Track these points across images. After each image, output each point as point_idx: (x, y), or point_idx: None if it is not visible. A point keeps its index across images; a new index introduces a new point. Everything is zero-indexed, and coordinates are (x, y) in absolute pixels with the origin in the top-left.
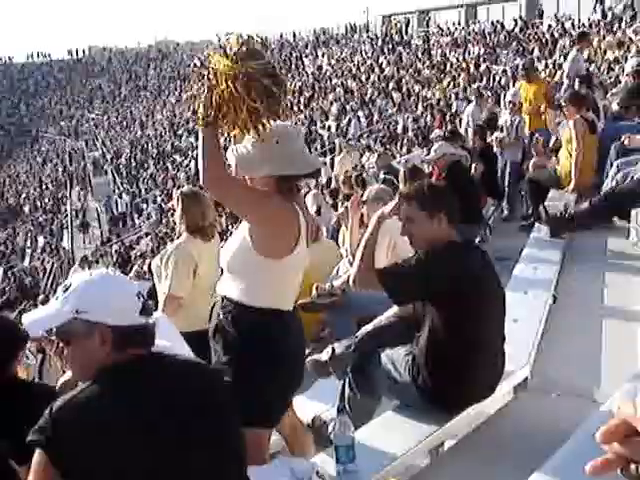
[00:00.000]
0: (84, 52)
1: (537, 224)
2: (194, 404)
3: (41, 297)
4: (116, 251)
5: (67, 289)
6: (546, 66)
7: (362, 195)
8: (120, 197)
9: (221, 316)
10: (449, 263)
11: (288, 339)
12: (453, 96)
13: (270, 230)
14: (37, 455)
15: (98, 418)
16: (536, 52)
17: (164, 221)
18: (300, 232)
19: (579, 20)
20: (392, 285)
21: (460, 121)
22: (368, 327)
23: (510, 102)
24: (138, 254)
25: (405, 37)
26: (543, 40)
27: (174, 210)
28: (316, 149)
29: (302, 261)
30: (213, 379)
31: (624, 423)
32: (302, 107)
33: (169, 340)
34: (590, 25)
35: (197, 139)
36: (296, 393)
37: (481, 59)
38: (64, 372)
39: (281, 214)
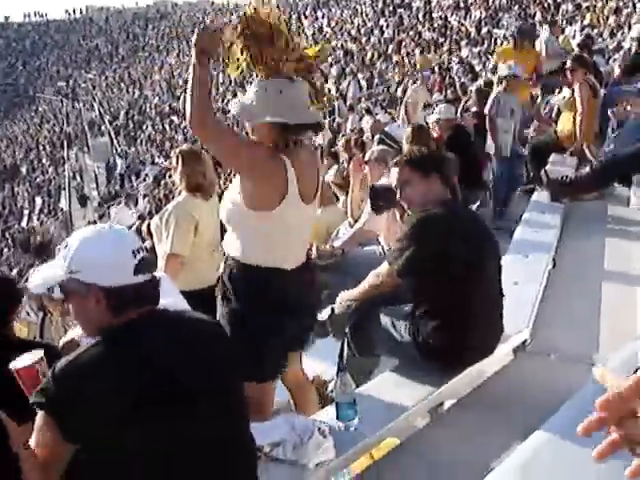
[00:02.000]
0: (81, 12)
1: (538, 188)
2: (199, 361)
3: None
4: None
5: (66, 246)
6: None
7: (364, 156)
8: (119, 158)
9: (222, 270)
10: (439, 226)
11: (282, 298)
12: (454, 59)
13: (253, 180)
14: (39, 417)
15: (100, 380)
16: (538, 16)
17: (162, 182)
18: (288, 187)
19: None
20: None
21: (462, 85)
22: None
23: (505, 78)
24: (136, 215)
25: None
26: (545, 4)
27: (172, 170)
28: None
29: (300, 217)
30: (217, 334)
31: (622, 401)
32: None
33: (171, 298)
34: None
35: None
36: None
37: (482, 22)
38: (66, 330)
39: (263, 163)
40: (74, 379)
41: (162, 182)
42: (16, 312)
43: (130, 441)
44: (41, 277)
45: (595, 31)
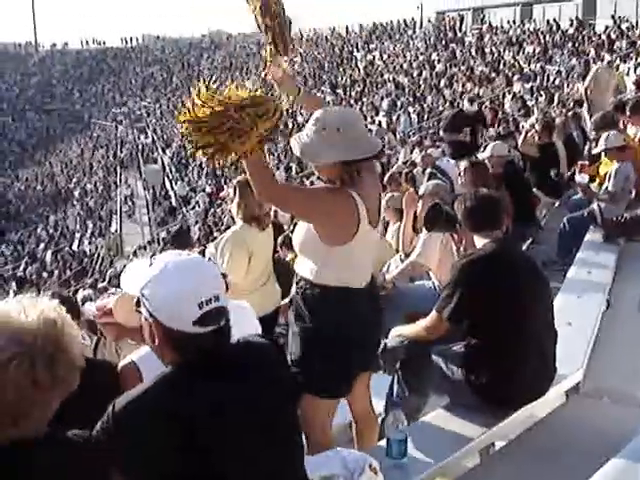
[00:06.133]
0: (138, 40)
1: (592, 227)
2: (256, 401)
3: (90, 280)
4: (163, 239)
5: (151, 265)
6: None
7: (415, 191)
8: (170, 185)
9: (295, 290)
10: (487, 266)
11: (351, 315)
12: (508, 95)
13: (329, 225)
14: None
15: (159, 419)
16: (592, 53)
17: (212, 210)
18: (360, 218)
19: (637, 22)
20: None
21: (514, 120)
22: None
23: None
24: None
25: (459, 34)
26: (599, 41)
27: (224, 200)
28: None
29: (368, 241)
30: (276, 357)
31: None
32: (352, 102)
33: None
34: None
35: None
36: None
37: (535, 58)
38: (118, 354)
39: (337, 209)
40: (134, 419)
41: (211, 210)
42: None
43: (197, 467)
44: (132, 279)
45: None
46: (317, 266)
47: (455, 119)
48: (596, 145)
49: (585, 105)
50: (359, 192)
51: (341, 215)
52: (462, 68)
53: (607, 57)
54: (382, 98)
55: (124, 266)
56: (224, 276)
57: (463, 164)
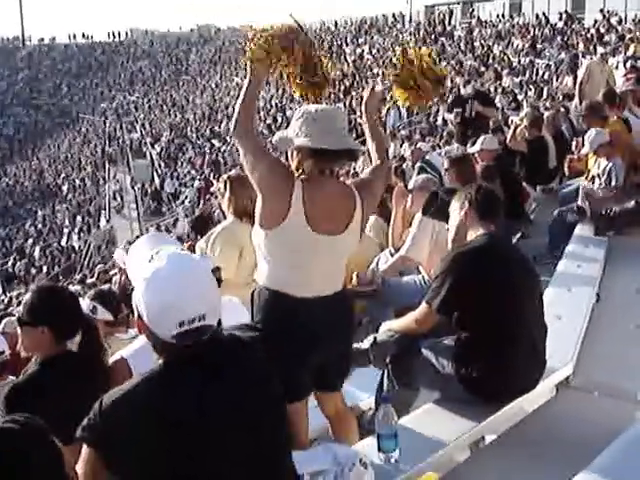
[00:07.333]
0: (126, 34)
1: (581, 221)
2: (240, 401)
3: (78, 276)
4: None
5: (151, 259)
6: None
7: (405, 185)
8: (158, 180)
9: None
10: (477, 257)
11: (293, 324)
12: (499, 90)
13: (260, 194)
14: (85, 450)
15: (148, 415)
16: (581, 47)
17: (201, 205)
18: (290, 209)
19: (625, 17)
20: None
21: (503, 115)
22: None
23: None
24: (174, 237)
25: (448, 28)
26: (588, 35)
27: (214, 194)
28: (356, 138)
29: (317, 247)
30: (259, 354)
31: None
32: (342, 95)
33: None
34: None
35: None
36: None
37: (524, 52)
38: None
39: (271, 179)
40: (122, 416)
41: (200, 205)
42: (79, 324)
43: (182, 467)
44: (133, 264)
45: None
46: (260, 263)
47: (451, 102)
48: (582, 142)
49: (577, 99)
50: (308, 187)
51: (271, 189)
52: (451, 62)
53: (598, 50)
54: None
55: (112, 265)
56: (217, 270)
57: (446, 163)
